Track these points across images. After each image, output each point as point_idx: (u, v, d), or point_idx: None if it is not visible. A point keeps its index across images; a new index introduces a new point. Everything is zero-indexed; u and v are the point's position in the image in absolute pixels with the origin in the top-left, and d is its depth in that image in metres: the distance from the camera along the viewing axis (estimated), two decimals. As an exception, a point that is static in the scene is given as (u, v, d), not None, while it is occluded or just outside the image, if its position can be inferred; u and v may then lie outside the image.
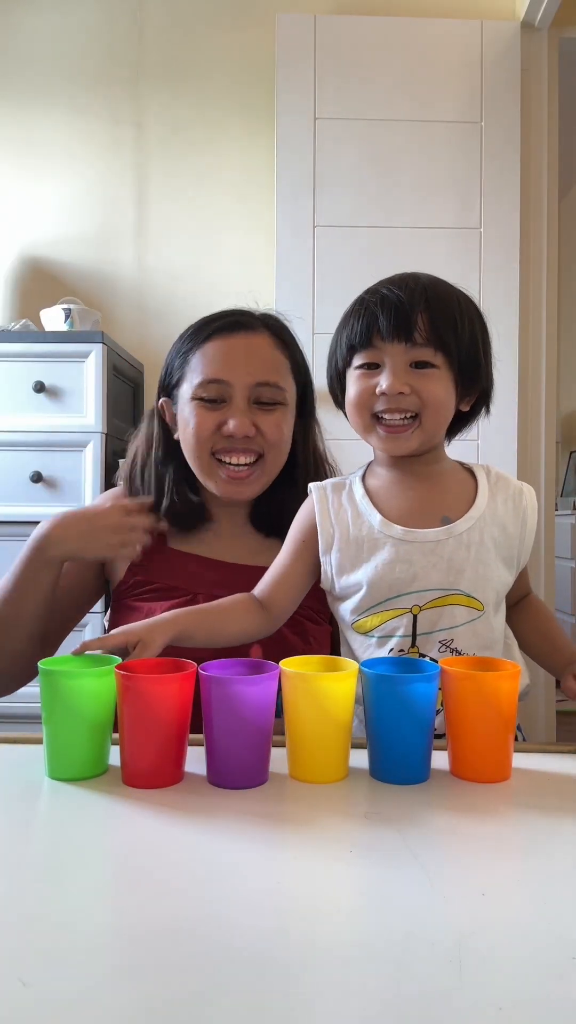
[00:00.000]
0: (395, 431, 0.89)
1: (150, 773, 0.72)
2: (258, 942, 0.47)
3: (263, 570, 1.01)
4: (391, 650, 0.90)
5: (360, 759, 0.77)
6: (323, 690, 0.73)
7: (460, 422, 0.97)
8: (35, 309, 2.33)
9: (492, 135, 2.35)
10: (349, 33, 2.35)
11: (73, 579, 1.11)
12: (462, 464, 0.98)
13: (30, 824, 0.66)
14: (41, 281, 2.51)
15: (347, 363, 0.92)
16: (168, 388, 1.11)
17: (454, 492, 0.93)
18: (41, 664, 0.75)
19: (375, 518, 0.91)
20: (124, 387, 2.28)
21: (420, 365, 0.87)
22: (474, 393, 0.94)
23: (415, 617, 0.90)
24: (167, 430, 1.12)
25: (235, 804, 0.68)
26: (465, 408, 0.94)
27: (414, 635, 0.90)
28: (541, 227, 2.44)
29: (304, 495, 0.99)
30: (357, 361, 0.91)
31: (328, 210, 2.35)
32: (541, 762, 0.80)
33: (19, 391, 2.05)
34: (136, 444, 1.16)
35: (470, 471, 0.97)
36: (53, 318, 2.19)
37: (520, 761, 0.77)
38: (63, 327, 2.17)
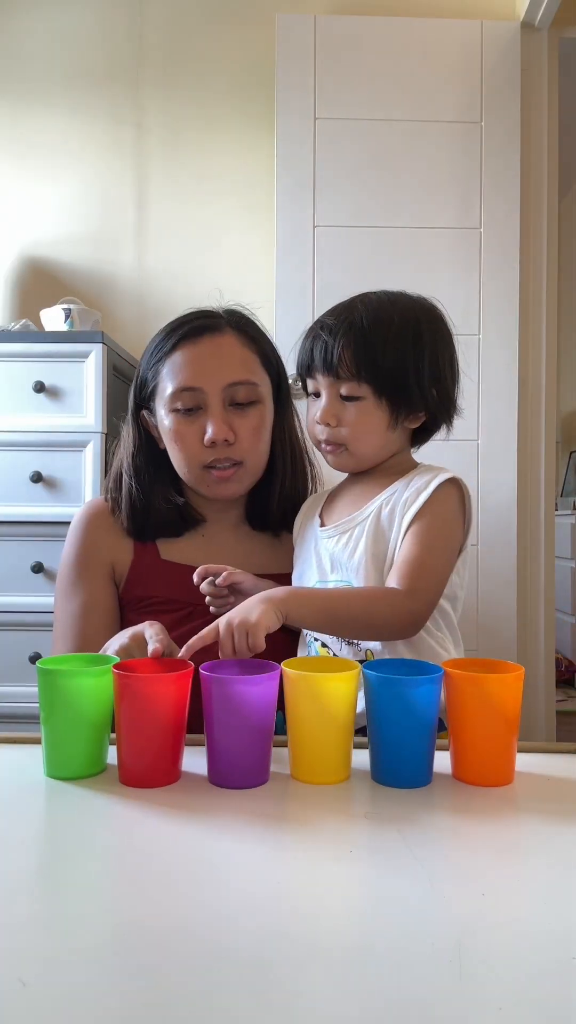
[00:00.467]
0: (328, 452, 1.00)
1: (147, 772, 0.72)
2: (258, 942, 0.47)
3: (257, 577, 1.03)
4: (307, 635, 1.00)
5: (362, 760, 0.77)
6: (325, 691, 0.73)
7: (424, 432, 1.03)
8: (35, 309, 2.33)
9: (492, 135, 2.35)
10: (349, 33, 2.35)
11: (108, 598, 1.11)
12: (418, 466, 1.03)
13: (28, 823, 0.66)
14: (41, 281, 2.50)
15: (304, 386, 1.02)
16: (144, 399, 1.12)
17: (378, 490, 0.99)
18: (39, 663, 0.76)
19: (315, 520, 1.04)
20: (124, 387, 2.28)
21: (348, 398, 0.95)
22: (417, 413, 0.99)
23: None
24: (149, 439, 1.13)
25: (236, 804, 0.68)
26: (413, 425, 1.00)
27: None
28: (541, 227, 2.44)
29: (287, 486, 1.13)
30: (309, 387, 1.01)
31: (328, 210, 2.35)
32: (541, 762, 0.80)
33: (19, 391, 2.04)
34: (118, 457, 1.16)
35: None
36: (53, 318, 2.19)
37: (520, 761, 0.77)
38: (63, 327, 2.17)
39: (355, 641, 0.95)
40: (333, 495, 1.08)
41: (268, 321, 2.43)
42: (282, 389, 1.16)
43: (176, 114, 2.50)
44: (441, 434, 1.06)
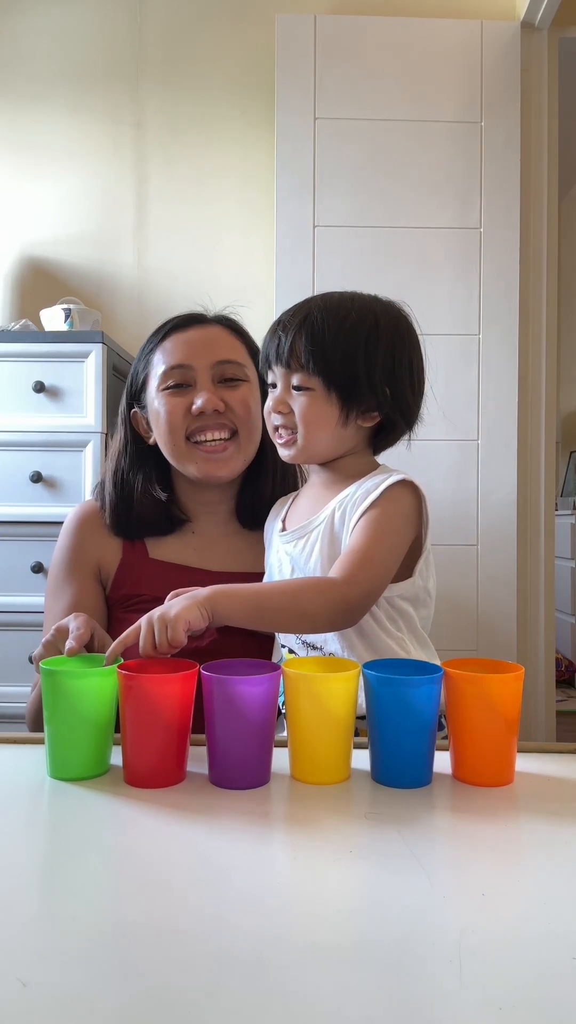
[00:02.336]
0: (282, 443, 1.00)
1: (152, 773, 0.73)
2: (258, 942, 0.47)
3: (245, 575, 1.04)
4: (282, 645, 1.01)
5: (362, 760, 0.77)
6: (325, 691, 0.73)
7: (385, 436, 1.02)
8: (35, 309, 2.33)
9: (492, 135, 2.35)
10: (349, 33, 2.35)
11: (95, 598, 1.11)
12: (379, 469, 1.02)
13: (31, 824, 0.66)
14: (41, 281, 2.50)
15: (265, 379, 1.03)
16: (136, 395, 1.14)
17: (334, 493, 0.99)
18: (43, 664, 0.76)
19: (277, 525, 1.05)
20: (124, 387, 2.28)
21: (298, 388, 0.96)
22: (370, 410, 0.98)
23: None
24: (137, 438, 1.15)
25: (236, 804, 0.68)
26: (366, 424, 0.99)
27: None
28: (541, 227, 2.44)
29: (278, 482, 1.15)
30: (268, 379, 1.01)
31: (328, 210, 2.35)
32: (541, 763, 0.80)
33: (19, 391, 2.04)
34: (110, 455, 1.18)
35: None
36: (53, 318, 2.19)
37: (520, 762, 0.77)
38: (63, 327, 2.17)
39: (319, 646, 0.95)
40: (298, 497, 1.09)
41: (268, 321, 2.43)
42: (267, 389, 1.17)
43: (176, 114, 2.50)
44: (403, 443, 1.05)
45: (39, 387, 2.03)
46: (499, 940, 0.48)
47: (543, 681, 2.41)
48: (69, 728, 0.74)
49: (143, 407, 1.13)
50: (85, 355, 2.04)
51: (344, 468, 1.01)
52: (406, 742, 0.73)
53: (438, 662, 0.88)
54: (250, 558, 1.13)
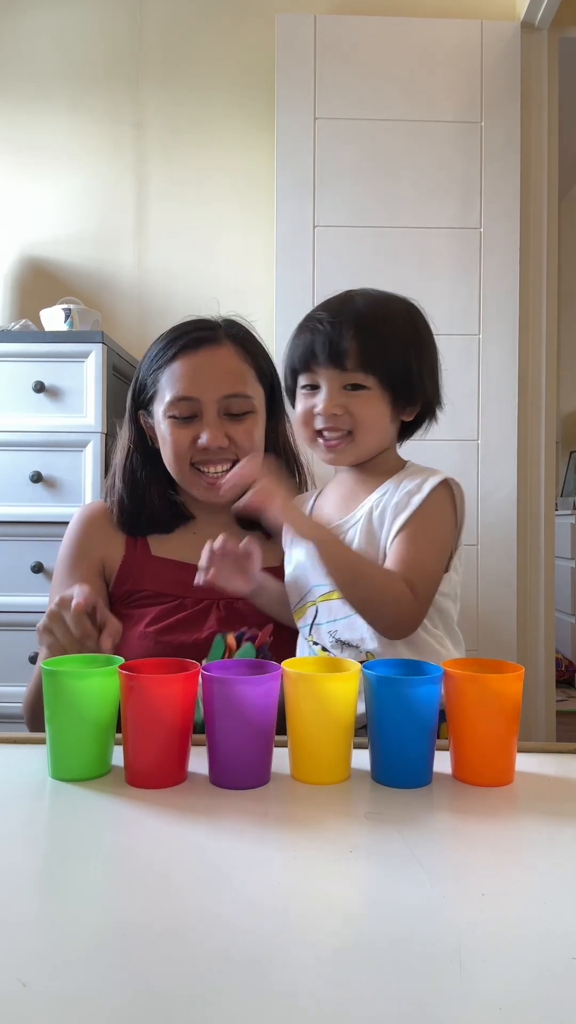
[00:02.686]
0: (332, 446, 0.99)
1: (154, 773, 0.72)
2: (259, 942, 0.47)
3: None
4: (307, 639, 1.02)
5: (362, 760, 0.77)
6: (325, 691, 0.73)
7: (407, 429, 1.05)
8: (35, 309, 2.33)
9: (492, 135, 2.35)
10: (349, 33, 2.35)
11: (98, 593, 1.11)
12: (407, 465, 1.04)
13: (32, 825, 0.66)
14: (41, 281, 2.50)
15: (294, 382, 1.02)
16: (143, 402, 1.16)
17: (368, 490, 1.00)
18: (44, 664, 0.76)
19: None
20: (124, 387, 2.28)
21: (353, 387, 0.96)
22: (414, 406, 1.00)
23: (317, 609, 1.00)
24: (144, 437, 1.17)
25: (237, 804, 0.68)
26: (408, 418, 1.02)
27: (311, 627, 1.00)
28: (541, 227, 2.44)
29: None
30: (301, 382, 1.00)
31: (328, 210, 2.35)
32: (541, 763, 0.80)
33: (19, 391, 2.04)
34: (116, 453, 1.20)
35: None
36: (53, 318, 2.19)
37: (520, 762, 0.77)
38: (63, 327, 2.17)
39: (356, 644, 0.96)
40: (322, 495, 1.09)
41: (268, 321, 2.44)
42: (275, 398, 1.19)
43: (176, 114, 2.50)
44: (420, 432, 1.07)
45: (39, 387, 2.03)
46: (499, 940, 0.48)
47: (543, 681, 2.41)
48: (70, 728, 0.74)
49: (150, 416, 1.15)
50: (85, 355, 2.04)
51: (378, 465, 1.02)
52: (406, 742, 0.73)
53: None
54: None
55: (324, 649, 0.99)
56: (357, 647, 0.96)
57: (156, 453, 1.15)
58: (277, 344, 2.54)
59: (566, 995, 0.43)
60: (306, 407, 0.99)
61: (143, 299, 2.50)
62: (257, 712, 0.72)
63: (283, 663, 0.76)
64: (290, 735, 0.75)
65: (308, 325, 0.99)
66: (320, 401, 0.97)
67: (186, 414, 1.09)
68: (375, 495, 0.99)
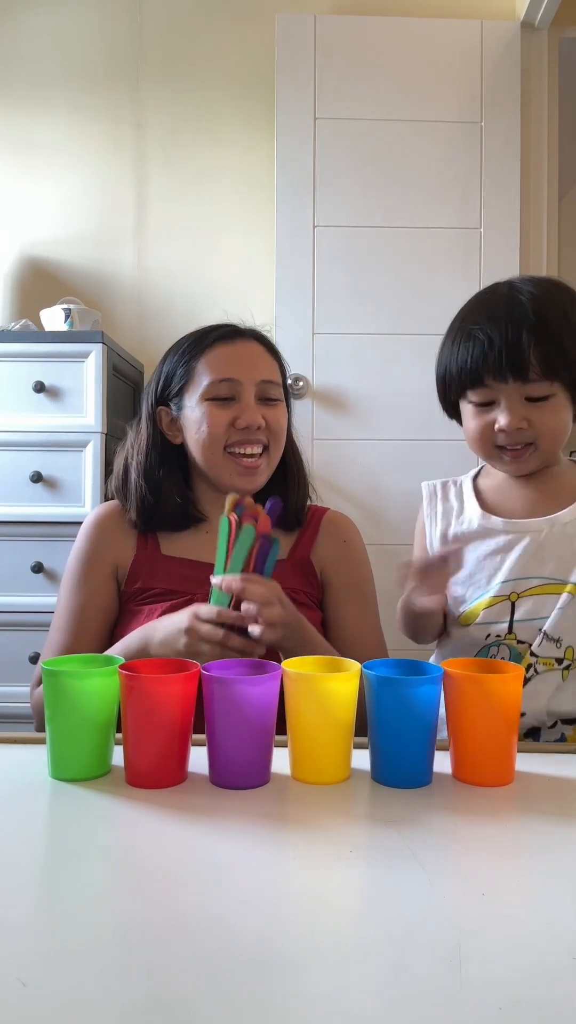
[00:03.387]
0: (516, 456, 0.95)
1: (154, 773, 0.72)
2: (259, 942, 0.47)
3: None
4: (488, 636, 0.96)
5: (362, 760, 0.77)
6: (326, 691, 0.73)
7: None
8: (35, 309, 2.33)
9: (492, 135, 2.35)
10: (349, 33, 2.35)
11: (107, 599, 1.13)
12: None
13: (32, 824, 0.66)
14: (41, 281, 2.50)
15: (460, 394, 0.97)
16: (166, 397, 1.17)
17: (566, 489, 0.98)
18: (44, 664, 0.76)
19: (476, 512, 1.01)
20: (124, 387, 2.28)
21: (535, 399, 0.91)
22: None
23: (513, 604, 0.95)
24: (162, 436, 1.17)
25: (237, 804, 0.68)
26: None
27: (511, 623, 0.95)
28: (541, 227, 2.44)
29: (299, 490, 1.18)
30: (472, 397, 0.94)
31: (328, 210, 2.35)
32: (542, 763, 0.80)
33: (19, 391, 2.04)
34: (125, 453, 1.20)
35: None
36: (53, 318, 2.19)
37: (520, 761, 0.77)
38: (63, 327, 2.17)
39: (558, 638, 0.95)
40: (487, 477, 1.05)
41: (268, 321, 2.43)
42: (288, 402, 1.22)
43: (176, 114, 2.50)
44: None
45: (39, 387, 2.03)
46: (499, 940, 0.48)
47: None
48: (71, 728, 0.73)
49: (177, 409, 1.16)
50: (85, 355, 2.04)
51: (559, 469, 1.00)
52: (406, 742, 0.73)
53: None
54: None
55: (521, 643, 0.95)
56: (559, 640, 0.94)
57: (174, 450, 1.17)
58: (277, 343, 2.54)
59: (565, 995, 0.43)
60: (483, 424, 0.94)
61: (143, 299, 2.50)
62: (257, 712, 0.72)
63: (283, 663, 0.76)
64: (290, 735, 0.75)
65: (472, 334, 0.92)
66: (502, 417, 0.91)
67: (226, 395, 1.11)
68: None
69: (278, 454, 1.16)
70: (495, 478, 1.05)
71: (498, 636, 0.96)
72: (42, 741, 0.78)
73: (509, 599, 0.96)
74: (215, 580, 0.93)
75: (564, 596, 0.93)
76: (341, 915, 0.52)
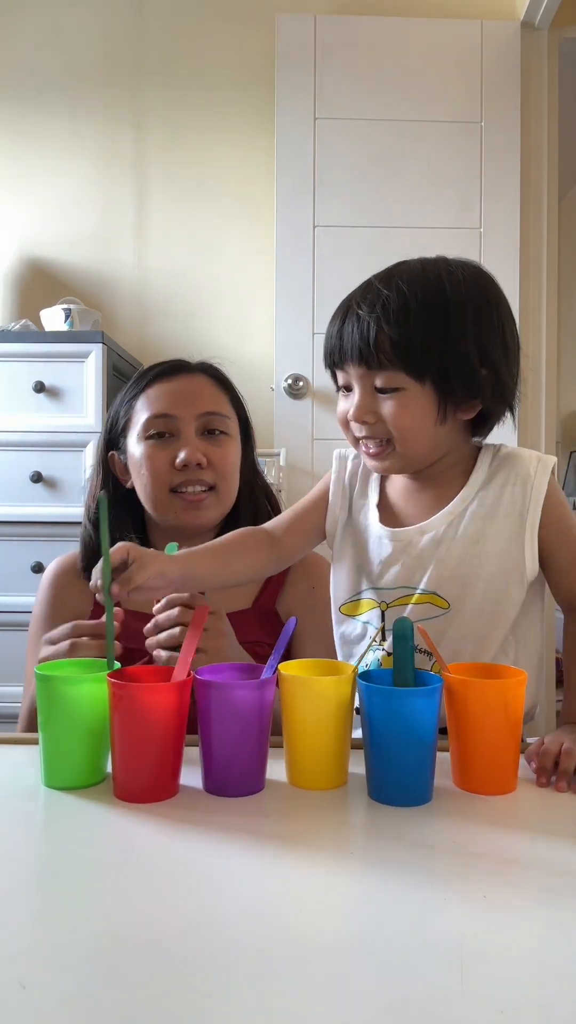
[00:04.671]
0: (373, 455, 0.86)
1: (143, 788, 0.69)
2: (259, 945, 0.47)
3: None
4: (366, 636, 0.91)
5: (360, 764, 0.76)
6: (321, 694, 0.72)
7: (483, 423, 0.90)
8: (35, 309, 2.33)
9: (492, 135, 2.35)
10: (349, 33, 2.34)
11: None
12: (485, 449, 0.92)
13: (26, 834, 0.66)
14: (41, 281, 2.50)
15: (332, 375, 0.89)
16: (115, 440, 1.13)
17: (452, 490, 0.89)
18: (38, 669, 0.74)
19: (373, 515, 0.92)
20: (124, 387, 2.28)
21: (384, 390, 0.82)
22: (470, 399, 0.84)
23: (383, 613, 0.89)
24: (115, 481, 1.14)
25: (233, 810, 0.68)
26: (468, 416, 0.86)
27: (383, 630, 0.89)
28: (541, 227, 2.44)
29: (249, 523, 1.00)
30: (337, 379, 0.88)
31: (328, 210, 2.35)
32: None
33: (19, 391, 2.04)
34: (89, 498, 1.16)
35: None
36: (53, 318, 2.19)
37: (523, 768, 0.76)
38: (63, 327, 2.17)
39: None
40: (390, 484, 0.94)
41: (268, 321, 2.44)
42: (248, 436, 1.17)
43: (176, 114, 2.50)
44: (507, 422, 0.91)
45: (39, 387, 2.03)
46: (500, 944, 0.48)
47: (544, 681, 2.41)
48: (64, 736, 0.71)
49: (122, 452, 1.12)
50: (85, 355, 2.04)
51: (450, 467, 0.89)
52: (403, 758, 0.69)
53: None
54: (227, 599, 1.07)
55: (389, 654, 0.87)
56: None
57: (126, 496, 1.12)
58: (277, 344, 2.53)
59: (567, 999, 0.43)
60: (340, 410, 0.86)
61: (143, 299, 2.49)
62: (252, 717, 0.71)
63: (279, 666, 0.75)
64: (286, 740, 0.74)
65: (340, 309, 0.85)
66: (352, 406, 0.84)
67: (162, 430, 1.07)
68: (471, 489, 0.88)
69: (229, 494, 1.10)
70: (397, 478, 0.94)
71: (372, 639, 0.90)
72: (35, 742, 0.76)
73: (379, 607, 0.90)
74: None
75: (428, 606, 0.86)
76: (341, 919, 0.52)
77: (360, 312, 0.81)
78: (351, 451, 0.96)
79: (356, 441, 0.88)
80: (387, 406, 0.82)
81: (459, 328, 0.81)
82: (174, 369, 1.11)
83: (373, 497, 0.94)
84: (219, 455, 1.08)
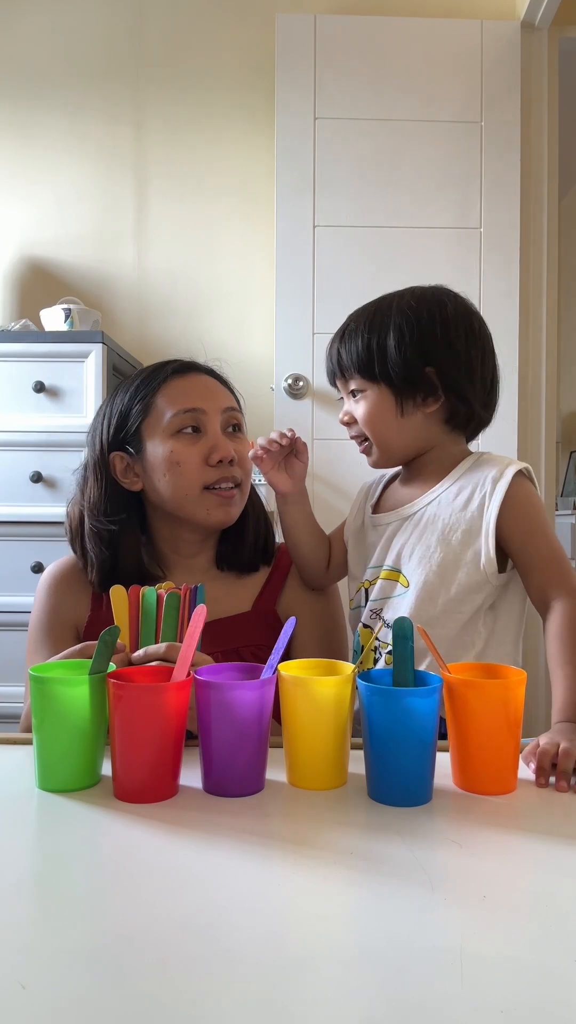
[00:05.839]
0: (362, 452, 1.07)
1: (143, 788, 0.69)
2: (259, 946, 0.47)
3: (222, 621, 1.04)
4: (360, 619, 1.05)
5: (359, 764, 0.76)
6: (321, 694, 0.72)
7: (461, 421, 1.04)
8: (35, 309, 2.33)
9: (492, 135, 2.35)
10: (349, 33, 2.34)
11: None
12: (471, 455, 1.05)
13: (25, 833, 0.66)
14: (41, 281, 2.50)
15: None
16: (120, 440, 1.08)
17: (431, 483, 1.03)
18: (32, 671, 0.73)
19: (367, 510, 1.10)
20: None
21: (354, 393, 1.03)
22: (428, 395, 1.00)
23: (366, 590, 1.04)
24: (115, 484, 1.09)
25: (232, 811, 0.68)
26: (430, 409, 1.00)
27: (366, 607, 1.04)
28: (541, 227, 2.44)
29: (260, 524, 1.15)
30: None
31: (328, 210, 2.35)
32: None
33: (19, 391, 2.04)
34: (77, 505, 1.10)
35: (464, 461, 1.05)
36: (53, 318, 2.19)
37: (523, 768, 0.76)
38: (63, 327, 2.17)
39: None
40: (387, 486, 1.13)
41: (268, 321, 2.44)
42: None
43: (176, 114, 2.50)
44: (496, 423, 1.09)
45: (39, 387, 2.03)
46: (501, 944, 0.48)
47: (544, 683, 2.41)
48: (59, 738, 0.71)
49: (136, 452, 1.07)
50: (85, 355, 2.04)
51: (431, 463, 1.04)
52: (403, 758, 0.70)
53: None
54: (227, 603, 1.10)
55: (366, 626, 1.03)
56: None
57: (130, 499, 1.08)
58: (277, 343, 2.53)
59: (568, 999, 0.43)
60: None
61: (143, 299, 2.49)
62: (252, 717, 0.71)
63: (279, 666, 0.75)
64: (286, 740, 0.74)
65: (330, 340, 1.06)
66: (341, 412, 1.06)
67: (192, 425, 1.04)
68: (443, 485, 1.01)
69: (248, 486, 1.11)
70: (392, 479, 1.13)
71: (356, 622, 1.05)
72: (29, 742, 0.76)
73: (364, 585, 1.05)
74: (137, 654, 0.83)
75: (398, 586, 1.00)
76: (341, 919, 0.52)
77: (335, 341, 1.05)
78: (369, 480, 1.17)
79: (354, 441, 1.07)
80: (358, 407, 1.03)
81: (398, 338, 0.99)
82: (187, 367, 1.10)
83: (372, 499, 1.12)
84: (243, 450, 1.09)
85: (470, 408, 1.02)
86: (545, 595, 0.92)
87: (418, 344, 0.98)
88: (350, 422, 1.04)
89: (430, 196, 2.35)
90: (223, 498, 1.05)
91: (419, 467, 1.05)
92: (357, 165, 2.34)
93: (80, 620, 1.09)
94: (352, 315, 1.05)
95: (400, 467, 1.10)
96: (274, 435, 1.06)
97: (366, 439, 1.04)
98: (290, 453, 1.08)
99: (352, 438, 1.06)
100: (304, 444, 1.08)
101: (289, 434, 1.06)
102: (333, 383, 1.07)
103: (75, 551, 1.10)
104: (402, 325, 0.99)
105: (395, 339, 0.99)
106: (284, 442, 1.06)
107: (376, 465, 1.07)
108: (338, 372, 1.04)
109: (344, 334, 1.03)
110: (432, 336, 0.99)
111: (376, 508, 1.10)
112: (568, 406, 4.84)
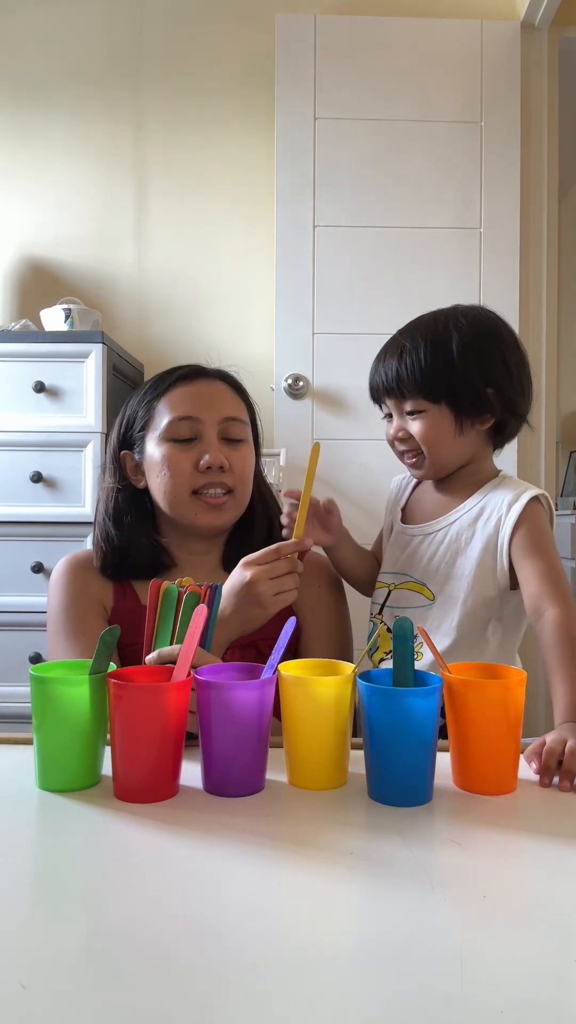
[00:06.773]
0: (412, 464, 1.09)
1: (143, 788, 0.70)
2: (259, 946, 0.47)
3: None
4: (372, 612, 1.12)
5: (359, 764, 0.76)
6: (321, 694, 0.72)
7: (502, 433, 1.10)
8: (35, 309, 2.32)
9: (492, 135, 2.35)
10: (349, 33, 2.34)
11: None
12: (499, 475, 1.11)
13: (25, 833, 0.66)
14: (41, 281, 2.50)
15: (379, 406, 1.13)
16: (129, 440, 1.14)
17: (459, 499, 1.08)
18: (32, 670, 0.73)
19: (398, 516, 1.15)
20: (124, 387, 2.28)
21: (411, 412, 1.05)
22: (486, 415, 1.05)
23: (389, 592, 1.10)
24: (127, 481, 1.14)
25: (233, 811, 0.68)
26: (484, 427, 1.06)
27: (383, 606, 1.10)
28: (541, 227, 2.44)
29: (265, 532, 1.15)
30: (382, 409, 1.11)
31: (328, 210, 2.35)
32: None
33: (19, 391, 2.04)
34: (98, 500, 1.17)
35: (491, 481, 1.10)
36: (53, 318, 2.18)
37: (523, 768, 0.76)
38: (63, 327, 2.16)
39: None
40: (421, 488, 1.16)
41: (268, 321, 2.44)
42: (257, 440, 1.20)
43: (176, 114, 2.50)
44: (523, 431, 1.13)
45: (39, 387, 2.03)
46: (501, 944, 0.48)
47: (544, 683, 2.41)
48: (59, 737, 0.71)
49: (138, 452, 1.13)
50: (85, 355, 2.04)
51: (465, 477, 1.09)
52: (403, 758, 0.70)
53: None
54: None
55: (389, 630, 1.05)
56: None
57: (140, 495, 1.13)
58: (277, 343, 2.53)
59: (567, 998, 0.43)
60: (386, 435, 1.10)
61: (143, 299, 2.49)
62: (252, 717, 0.71)
63: (279, 666, 0.75)
64: (286, 740, 0.74)
65: (376, 358, 1.09)
66: (391, 428, 1.08)
67: (186, 435, 1.08)
68: (469, 503, 1.06)
69: (245, 497, 1.13)
70: (430, 483, 1.16)
71: (371, 613, 1.12)
72: (28, 742, 0.76)
73: (388, 587, 1.10)
74: (151, 656, 0.84)
75: (418, 595, 1.06)
76: (342, 919, 0.52)
77: (388, 358, 1.06)
78: (397, 476, 1.21)
79: (401, 455, 1.09)
80: (415, 425, 1.05)
81: (461, 360, 1.02)
82: (195, 373, 1.13)
83: (401, 503, 1.17)
84: (238, 459, 1.10)
85: (520, 424, 1.09)
86: (539, 605, 0.95)
87: (480, 365, 1.03)
88: (405, 438, 1.06)
89: (430, 196, 2.35)
90: (210, 504, 1.08)
91: (454, 479, 1.09)
92: (357, 165, 2.34)
93: (106, 604, 1.11)
94: (403, 333, 1.06)
95: None
96: (287, 507, 1.08)
97: (419, 454, 1.06)
98: (320, 511, 1.11)
99: (402, 452, 1.08)
100: (331, 502, 1.11)
101: (322, 503, 1.10)
102: (379, 400, 1.09)
103: (95, 546, 1.14)
104: (466, 347, 1.03)
105: (459, 361, 1.02)
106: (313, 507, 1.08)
107: (423, 477, 1.12)
108: (395, 391, 1.05)
109: (401, 353, 1.04)
110: (491, 357, 1.04)
111: (404, 513, 1.15)
112: (568, 406, 4.83)
